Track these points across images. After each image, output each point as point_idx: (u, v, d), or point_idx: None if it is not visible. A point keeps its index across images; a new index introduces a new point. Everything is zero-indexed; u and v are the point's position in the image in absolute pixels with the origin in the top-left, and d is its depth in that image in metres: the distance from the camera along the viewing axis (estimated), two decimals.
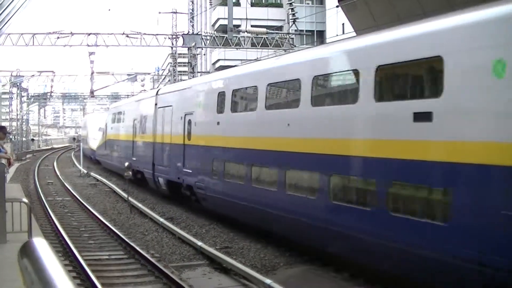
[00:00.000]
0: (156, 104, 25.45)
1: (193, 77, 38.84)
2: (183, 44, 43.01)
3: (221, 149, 17.39)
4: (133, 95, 62.17)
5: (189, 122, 20.39)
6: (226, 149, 17.09)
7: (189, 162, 20.17)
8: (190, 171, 19.85)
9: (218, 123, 17.71)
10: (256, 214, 15.25)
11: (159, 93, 25.96)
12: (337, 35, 31.78)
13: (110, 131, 38.12)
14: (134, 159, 28.30)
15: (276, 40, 42.36)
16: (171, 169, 22.12)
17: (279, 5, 59.79)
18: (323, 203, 12.17)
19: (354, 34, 21.83)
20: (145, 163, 26.29)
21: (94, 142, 48.68)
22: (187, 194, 20.56)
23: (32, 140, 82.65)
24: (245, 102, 17.35)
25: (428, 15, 16.81)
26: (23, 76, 64.69)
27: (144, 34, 41.15)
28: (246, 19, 41.58)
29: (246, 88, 17.00)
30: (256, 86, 15.50)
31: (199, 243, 14.75)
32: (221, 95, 17.70)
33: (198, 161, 19.45)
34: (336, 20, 46.15)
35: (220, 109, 17.66)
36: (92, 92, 57.50)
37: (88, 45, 41.03)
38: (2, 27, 25.84)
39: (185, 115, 20.80)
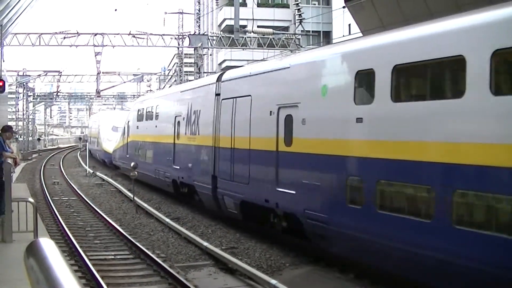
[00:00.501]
0: (218, 95, 18.69)
1: (199, 77, 38.84)
2: (189, 45, 43.08)
3: (369, 161, 11.05)
4: (140, 95, 62.24)
5: (288, 119, 13.87)
6: (383, 161, 10.67)
7: (290, 178, 13.78)
8: (293, 193, 13.43)
9: (358, 119, 11.25)
10: (461, 275, 9.17)
11: (223, 79, 18.89)
12: (343, 36, 31.74)
13: (136, 131, 30.95)
14: (177, 167, 22.24)
15: (283, 41, 42.36)
16: (251, 187, 15.71)
17: (286, 6, 59.80)
18: None
19: (361, 35, 21.81)
20: (198, 174, 19.92)
21: (109, 143, 42.73)
22: (284, 225, 14.50)
23: (38, 139, 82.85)
24: (430, 84, 10.60)
25: (434, 15, 16.78)
26: (29, 76, 64.88)
27: (151, 34, 41.28)
28: (253, 19, 41.61)
29: (431, 60, 9.93)
30: (461, 55, 8.99)
31: (205, 243, 14.74)
32: (365, 75, 11.48)
33: (311, 179, 12.85)
34: (342, 20, 46.09)
35: (363, 97, 11.58)
36: (98, 92, 57.59)
37: (94, 45, 41.16)
38: (8, 27, 25.94)
39: (280, 108, 14.25)
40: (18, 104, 72.37)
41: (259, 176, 15.32)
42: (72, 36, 39.78)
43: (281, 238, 15.00)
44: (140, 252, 14.21)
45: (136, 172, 23.54)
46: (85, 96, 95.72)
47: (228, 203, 17.21)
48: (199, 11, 49.53)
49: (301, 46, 43.19)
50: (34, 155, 63.91)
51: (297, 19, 39.21)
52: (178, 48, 46.09)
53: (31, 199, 13.54)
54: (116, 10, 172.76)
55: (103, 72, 57.34)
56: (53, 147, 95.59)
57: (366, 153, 11.21)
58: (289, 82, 14.43)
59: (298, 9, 38.68)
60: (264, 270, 12.52)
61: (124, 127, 34.94)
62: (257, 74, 16.51)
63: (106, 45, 41.00)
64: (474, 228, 8.76)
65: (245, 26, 43.98)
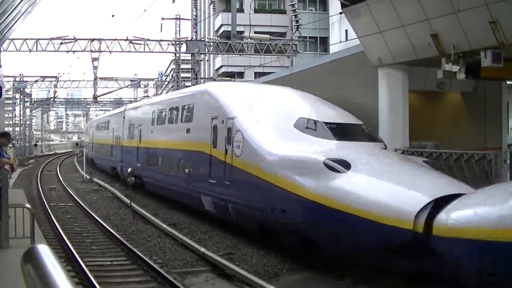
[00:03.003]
0: None
1: (196, 83, 38.92)
2: (186, 50, 43.11)
3: None
4: (136, 100, 62.12)
5: None
6: None
7: None
8: None
9: None
10: None
11: None
12: (340, 42, 31.78)
13: None
14: None
15: (280, 47, 42.41)
16: None
17: (283, 12, 59.90)
18: None
19: (358, 41, 21.84)
20: None
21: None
22: None
23: (35, 145, 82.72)
24: None
25: (431, 22, 16.79)
26: (26, 82, 64.80)
27: (148, 40, 41.25)
28: (250, 25, 41.58)
29: None
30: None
31: (202, 249, 14.72)
32: None
33: None
34: (339, 26, 46.21)
35: None
36: (95, 97, 57.59)
37: (91, 51, 41.16)
38: (5, 33, 25.91)
39: None
40: (15, 110, 72.31)
41: None
42: (69, 42, 39.78)
43: (279, 244, 14.93)
44: (137, 258, 14.18)
45: (132, 178, 23.42)
46: (82, 102, 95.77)
47: None
48: (196, 17, 49.47)
49: (298, 52, 43.30)
50: (31, 161, 63.79)
51: (294, 25, 39.23)
52: (175, 54, 46.11)
53: (28, 205, 13.49)
54: (113, 16, 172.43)
55: (100, 78, 57.38)
56: (50, 152, 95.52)
57: None
58: None
59: (295, 15, 38.68)
60: (261, 276, 12.50)
61: None
62: None
63: (103, 51, 41.01)
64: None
65: (242, 32, 44.03)
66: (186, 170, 20.62)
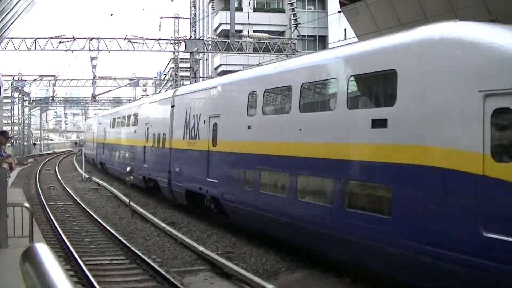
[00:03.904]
0: None
1: (195, 82, 38.91)
2: (185, 49, 43.09)
3: None
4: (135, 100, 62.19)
5: None
6: None
7: None
8: None
9: None
10: None
11: None
12: (339, 40, 31.79)
13: None
14: None
15: (278, 45, 42.39)
16: None
17: (281, 10, 59.84)
18: None
19: (356, 39, 21.83)
20: None
21: None
22: None
23: (34, 144, 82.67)
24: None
25: (430, 20, 16.80)
26: (25, 81, 64.74)
27: (146, 39, 41.22)
28: (248, 24, 41.56)
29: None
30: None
31: (201, 248, 14.72)
32: None
33: None
34: (338, 25, 46.19)
35: None
36: (94, 96, 57.55)
37: (90, 50, 41.10)
38: (4, 32, 25.86)
39: None
40: (13, 109, 72.22)
41: None
42: (68, 41, 39.74)
43: (278, 243, 14.92)
44: (136, 257, 14.18)
45: (132, 177, 23.38)
46: (81, 101, 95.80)
47: None
48: (195, 16, 49.51)
49: (297, 51, 43.30)
50: (29, 160, 63.74)
51: (293, 24, 39.27)
52: (174, 52, 46.10)
53: (26, 204, 13.49)
54: (112, 15, 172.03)
55: (98, 77, 57.37)
56: (49, 151, 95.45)
57: None
58: None
59: (294, 14, 38.71)
60: (260, 275, 12.50)
61: None
62: None
63: (102, 50, 40.96)
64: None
65: (240, 31, 44.04)
66: (382, 205, 10.59)
